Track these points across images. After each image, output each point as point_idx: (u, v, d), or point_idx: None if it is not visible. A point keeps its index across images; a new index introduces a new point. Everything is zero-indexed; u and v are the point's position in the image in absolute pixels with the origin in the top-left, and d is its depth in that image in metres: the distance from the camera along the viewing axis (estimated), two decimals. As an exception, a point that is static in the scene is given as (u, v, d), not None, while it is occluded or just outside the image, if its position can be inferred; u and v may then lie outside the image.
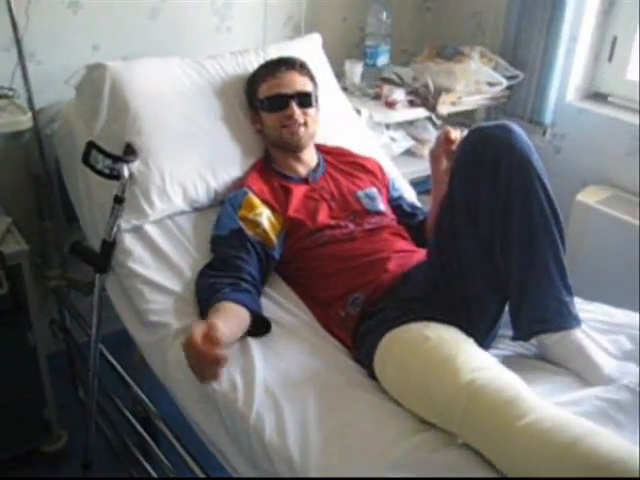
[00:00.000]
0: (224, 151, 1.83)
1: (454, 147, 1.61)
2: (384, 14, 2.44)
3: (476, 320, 1.45)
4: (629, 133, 2.36)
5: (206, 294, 1.50)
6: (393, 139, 2.39)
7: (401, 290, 1.52)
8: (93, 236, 1.75)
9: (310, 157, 1.86)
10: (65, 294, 2.13)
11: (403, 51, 2.85)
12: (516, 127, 1.39)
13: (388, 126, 2.41)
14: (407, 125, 2.49)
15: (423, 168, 2.44)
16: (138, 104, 1.74)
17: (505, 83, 2.43)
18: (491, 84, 2.47)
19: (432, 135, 2.50)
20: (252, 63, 1.96)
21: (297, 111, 1.77)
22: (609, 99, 2.55)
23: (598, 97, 2.60)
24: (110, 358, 1.81)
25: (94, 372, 1.68)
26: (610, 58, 2.51)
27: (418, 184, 2.35)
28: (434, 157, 1.69)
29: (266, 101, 1.81)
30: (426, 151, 2.50)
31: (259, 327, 1.49)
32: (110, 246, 1.59)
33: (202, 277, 1.58)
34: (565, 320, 1.40)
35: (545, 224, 1.37)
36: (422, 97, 1.63)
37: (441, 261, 1.47)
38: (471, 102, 2.43)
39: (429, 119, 2.47)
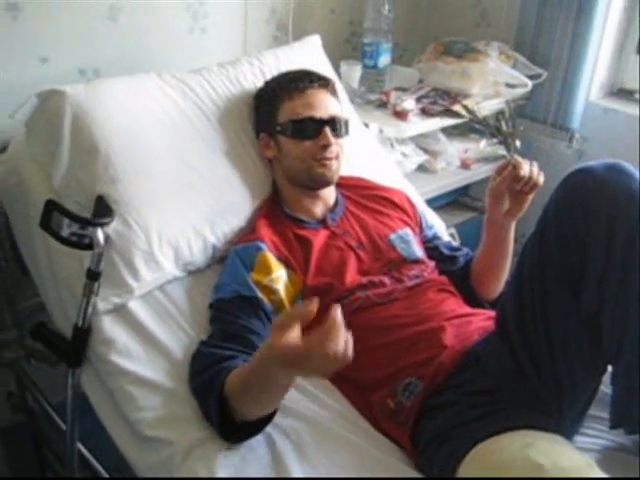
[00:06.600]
0: (225, 196, 1.44)
1: (520, 185, 1.31)
2: (386, 6, 2.07)
3: (567, 408, 1.17)
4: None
5: (208, 374, 1.13)
6: (404, 155, 2.05)
7: (470, 376, 1.20)
8: (60, 317, 1.34)
9: (329, 194, 1.50)
10: (24, 367, 1.72)
11: (395, 45, 2.49)
12: (631, 167, 1.09)
13: (396, 139, 2.06)
14: (415, 136, 2.14)
15: (438, 186, 2.14)
16: (110, 143, 1.32)
17: (530, 84, 2.10)
18: (510, 85, 2.14)
19: (445, 146, 2.17)
20: (246, 76, 1.58)
21: (333, 140, 1.42)
22: (636, 96, 2.27)
23: (622, 94, 2.32)
24: (92, 461, 1.41)
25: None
26: (639, 50, 2.23)
27: (429, 201, 2.04)
28: (495, 196, 1.36)
29: (292, 125, 1.43)
30: (439, 165, 2.18)
31: None
32: (84, 333, 1.25)
33: (200, 357, 1.20)
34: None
35: None
36: (494, 130, 1.30)
37: (527, 339, 1.15)
38: (489, 108, 2.10)
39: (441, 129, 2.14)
